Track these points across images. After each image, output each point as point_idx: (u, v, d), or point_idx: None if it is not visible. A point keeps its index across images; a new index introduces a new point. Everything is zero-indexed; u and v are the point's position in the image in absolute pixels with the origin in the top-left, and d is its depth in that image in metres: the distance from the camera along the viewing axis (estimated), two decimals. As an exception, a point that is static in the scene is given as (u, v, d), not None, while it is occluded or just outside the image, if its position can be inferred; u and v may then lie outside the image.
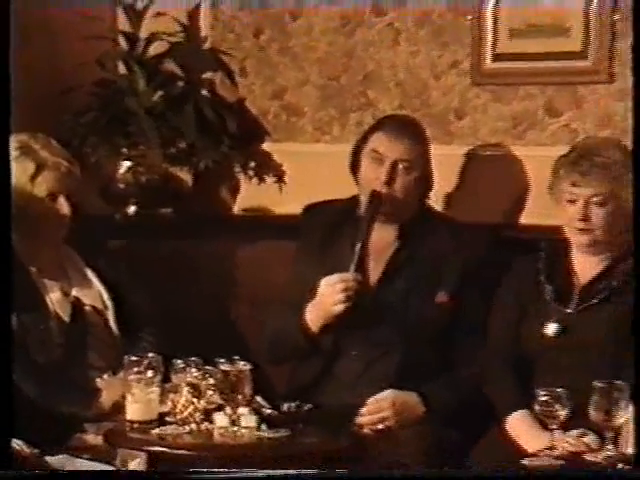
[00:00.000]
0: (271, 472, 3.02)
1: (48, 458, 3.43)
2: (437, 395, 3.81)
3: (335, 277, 3.83)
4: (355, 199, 4.01)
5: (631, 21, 2.82)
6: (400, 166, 3.91)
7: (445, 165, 4.22)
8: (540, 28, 4.28)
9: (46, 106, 4.31)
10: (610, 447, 3.20)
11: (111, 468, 3.39)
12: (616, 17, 4.15)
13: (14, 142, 3.84)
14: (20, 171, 3.79)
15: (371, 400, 3.74)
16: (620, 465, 3.13)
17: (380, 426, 3.72)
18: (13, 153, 3.83)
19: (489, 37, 4.35)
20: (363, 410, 3.73)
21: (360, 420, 3.71)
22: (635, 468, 2.93)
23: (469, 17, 4.36)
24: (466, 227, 4.08)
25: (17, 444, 3.40)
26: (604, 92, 4.21)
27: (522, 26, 4.31)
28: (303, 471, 3.03)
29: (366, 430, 3.71)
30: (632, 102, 2.90)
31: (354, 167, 4.01)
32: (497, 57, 4.36)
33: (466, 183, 4.36)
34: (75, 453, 3.47)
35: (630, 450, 3.17)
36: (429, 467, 3.58)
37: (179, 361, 3.48)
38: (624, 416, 3.21)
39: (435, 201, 4.18)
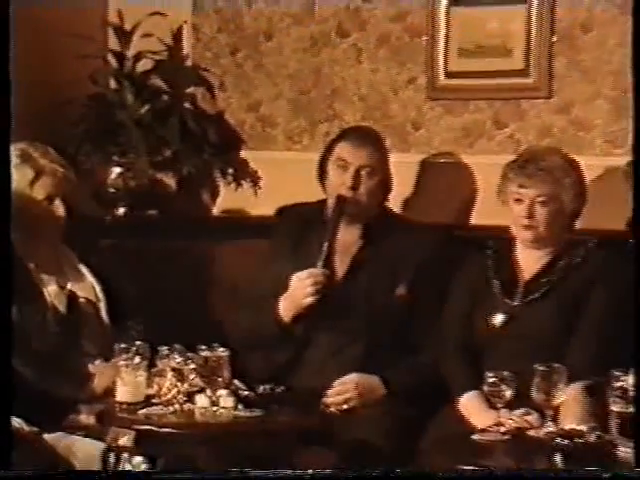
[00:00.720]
0: (272, 472, 2.91)
1: (46, 435, 3.44)
2: (397, 378, 3.81)
3: (305, 272, 3.84)
4: (323, 202, 4.02)
5: (631, 21, 2.76)
6: (363, 172, 3.92)
7: (403, 171, 4.23)
8: (487, 49, 4.31)
9: (44, 117, 4.30)
10: (550, 424, 3.21)
11: (102, 444, 3.41)
12: (554, 39, 4.20)
13: (15, 150, 3.83)
14: (20, 176, 3.78)
15: (337, 383, 3.76)
16: (558, 439, 3.13)
17: (345, 406, 3.74)
18: (14, 160, 3.82)
19: (441, 56, 4.37)
20: (330, 392, 3.74)
21: (327, 401, 3.73)
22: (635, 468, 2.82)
23: (424, 38, 4.38)
24: (422, 227, 4.09)
25: (17, 422, 3.41)
26: (544, 106, 4.24)
27: (471, 47, 4.33)
28: (304, 471, 2.90)
29: (333, 409, 3.72)
30: (632, 103, 2.78)
31: (321, 175, 4.02)
32: (449, 74, 4.38)
33: (421, 187, 4.37)
34: (70, 431, 3.48)
35: (568, 426, 3.21)
36: (389, 443, 3.59)
37: (164, 348, 3.49)
38: (562, 396, 3.23)
39: (394, 204, 4.18)
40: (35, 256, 3.81)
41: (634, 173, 2.65)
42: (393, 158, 4.14)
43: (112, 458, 3.39)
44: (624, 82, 4.11)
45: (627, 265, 3.69)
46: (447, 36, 4.36)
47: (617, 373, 3.20)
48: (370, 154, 3.96)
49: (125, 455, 3.40)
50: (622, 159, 3.83)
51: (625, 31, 4.05)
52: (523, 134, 4.27)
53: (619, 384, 3.14)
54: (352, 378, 3.77)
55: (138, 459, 3.39)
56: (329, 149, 4.02)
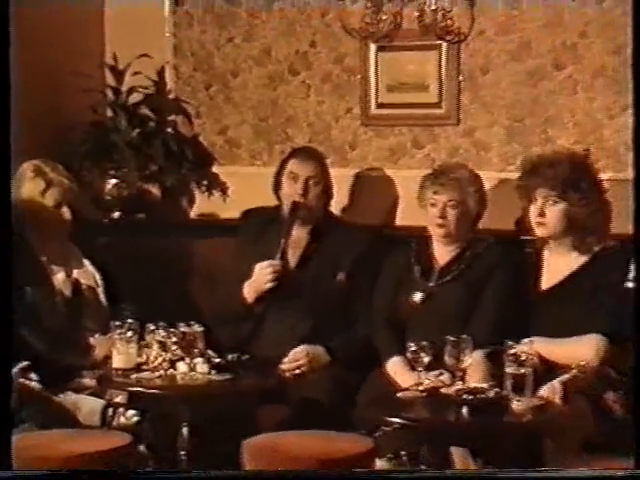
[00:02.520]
0: (271, 472, 2.86)
1: (55, 396, 3.43)
2: (338, 348, 3.80)
3: (265, 263, 3.84)
4: (278, 207, 4.01)
5: (632, 19, 2.51)
6: (310, 182, 3.93)
7: (342, 183, 4.25)
8: (408, 85, 4.30)
9: (54, 140, 4.27)
10: (459, 383, 3.21)
11: (102, 401, 3.40)
12: (460, 78, 4.21)
13: (30, 166, 3.82)
14: (34, 187, 3.78)
15: (291, 352, 3.75)
16: (465, 395, 3.11)
17: (297, 371, 3.72)
18: (29, 174, 3.81)
19: (372, 91, 4.35)
20: (285, 360, 3.73)
21: (283, 367, 3.70)
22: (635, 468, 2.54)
23: (358, 76, 4.37)
24: (357, 227, 4.09)
25: (34, 380, 3.38)
26: (452, 132, 4.24)
27: (395, 83, 4.31)
28: (304, 471, 2.81)
29: (287, 374, 3.69)
30: (632, 103, 2.51)
31: (276, 186, 4.02)
32: (379, 105, 4.36)
33: (356, 195, 4.36)
34: (75, 392, 3.47)
35: (472, 385, 3.20)
36: (332, 400, 3.59)
37: (151, 325, 3.47)
38: (468, 361, 3.23)
39: (336, 209, 4.18)
40: (46, 251, 3.79)
41: (635, 178, 2.42)
42: (334, 172, 4.15)
43: (110, 412, 3.38)
44: (515, 113, 4.15)
45: (517, 256, 3.75)
46: (377, 75, 4.34)
47: (510, 342, 3.23)
48: (314, 167, 3.97)
49: (120, 410, 3.38)
50: (513, 174, 3.83)
51: (518, 72, 4.11)
52: (436, 153, 4.26)
53: (512, 351, 3.17)
54: (303, 348, 3.76)
55: (131, 412, 3.38)
56: (282, 165, 4.02)
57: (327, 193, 4.01)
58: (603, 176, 3.77)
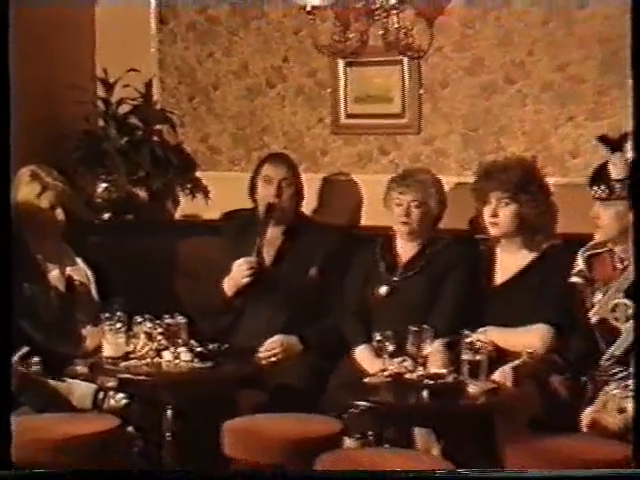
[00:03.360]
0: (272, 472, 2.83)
1: (51, 381, 3.39)
2: (311, 337, 3.79)
3: (242, 260, 3.83)
4: (255, 209, 3.99)
5: (630, 20, 2.39)
6: (283, 184, 3.92)
7: (313, 186, 4.24)
8: (374, 98, 4.29)
9: (49, 147, 4.24)
10: (420, 369, 3.20)
11: (94, 385, 3.37)
12: (421, 91, 4.20)
13: (27, 171, 3.79)
14: (30, 190, 3.75)
15: (267, 342, 3.73)
16: (426, 380, 3.11)
17: (273, 359, 3.70)
18: (26, 179, 3.78)
19: (342, 103, 4.34)
20: (262, 349, 3.71)
21: (260, 355, 3.69)
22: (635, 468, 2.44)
23: (329, 90, 4.36)
24: (327, 227, 4.08)
25: (33, 366, 3.36)
26: (414, 140, 4.24)
27: (363, 96, 4.31)
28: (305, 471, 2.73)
29: (264, 362, 3.68)
30: (632, 106, 2.35)
31: (252, 189, 4.01)
32: (348, 116, 4.34)
33: (326, 197, 4.35)
34: (69, 378, 3.43)
35: (432, 371, 3.19)
36: (305, 385, 3.58)
37: (138, 317, 3.46)
38: (429, 349, 3.23)
39: (307, 210, 4.17)
40: (42, 249, 3.75)
41: (634, 172, 2.30)
42: (307, 177, 4.15)
43: (101, 395, 3.36)
44: (471, 123, 4.16)
45: (473, 253, 3.76)
46: (345, 88, 4.32)
47: (467, 332, 3.24)
48: (286, 171, 3.96)
49: (110, 393, 3.36)
50: (469, 178, 3.84)
51: (473, 86, 4.12)
52: (400, 159, 4.25)
53: (468, 340, 3.18)
54: (278, 338, 3.74)
55: (120, 395, 3.36)
56: (257, 170, 4.02)
57: (299, 195, 4.01)
58: (549, 180, 3.79)
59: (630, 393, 3.11)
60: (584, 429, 3.09)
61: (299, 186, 4.00)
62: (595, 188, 3.30)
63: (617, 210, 3.25)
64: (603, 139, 3.33)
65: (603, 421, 3.08)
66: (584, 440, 3.02)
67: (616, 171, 3.26)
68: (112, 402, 3.35)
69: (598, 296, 3.36)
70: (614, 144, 3.30)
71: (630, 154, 3.27)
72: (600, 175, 3.30)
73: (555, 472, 2.66)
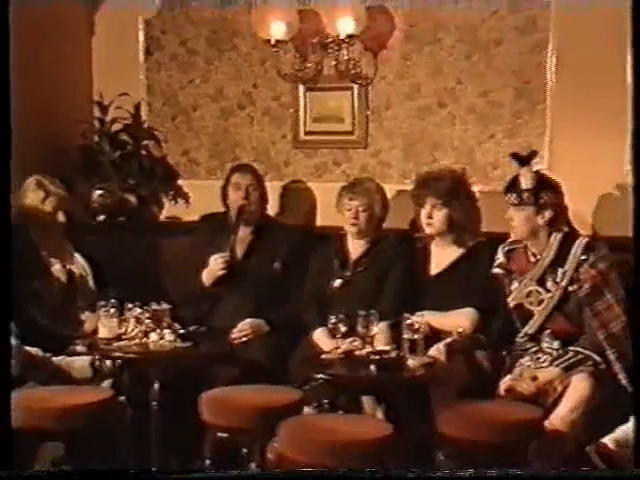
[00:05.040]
0: (273, 472, 2.69)
1: (54, 358, 3.36)
2: (276, 320, 3.74)
3: (218, 255, 3.79)
4: (227, 212, 3.95)
5: (631, 20, 2.16)
6: (250, 188, 3.89)
7: (276, 192, 4.23)
8: (329, 117, 4.25)
9: (52, 159, 4.14)
10: (368, 347, 3.17)
11: (89, 357, 3.33)
12: (368, 113, 4.16)
13: (32, 180, 3.74)
14: (35, 197, 3.71)
15: (239, 324, 3.69)
16: (373, 356, 3.09)
17: (244, 339, 3.66)
18: (32, 186, 3.73)
19: (302, 122, 4.29)
20: (234, 330, 3.67)
21: (233, 336, 3.65)
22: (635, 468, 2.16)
23: (291, 110, 4.32)
24: (289, 226, 4.05)
25: (34, 351, 3.30)
26: (363, 154, 4.21)
27: (320, 115, 4.26)
28: (306, 470, 2.52)
29: (236, 342, 3.64)
30: (632, 106, 2.10)
31: (223, 195, 3.97)
32: (307, 133, 4.30)
33: (287, 202, 4.31)
34: (70, 356, 3.39)
35: (378, 348, 3.16)
36: (271, 362, 3.55)
37: (129, 304, 3.40)
38: (375, 329, 3.19)
39: (272, 212, 4.15)
40: (46, 247, 3.70)
41: (634, 176, 2.15)
42: (272, 184, 4.14)
43: (97, 363, 3.32)
44: (410, 140, 4.16)
45: (412, 249, 3.76)
46: (305, 109, 4.29)
47: (407, 315, 3.22)
48: (252, 178, 3.93)
49: (105, 362, 3.32)
50: (409, 186, 3.83)
51: (412, 108, 4.12)
52: (351, 170, 4.23)
53: (408, 322, 3.15)
54: (248, 321, 3.71)
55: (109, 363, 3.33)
56: (227, 180, 3.99)
57: (263, 199, 3.97)
58: (475, 188, 3.81)
59: (542, 364, 3.16)
60: (503, 395, 3.12)
61: (263, 191, 3.97)
62: (509, 195, 3.32)
63: (527, 214, 3.28)
64: (514, 155, 3.36)
65: (519, 388, 3.11)
66: (503, 404, 3.05)
67: (525, 182, 3.29)
68: (107, 365, 3.32)
69: (515, 284, 3.39)
70: (523, 159, 3.33)
71: (536, 167, 3.36)
72: (513, 185, 3.32)
73: (555, 472, 2.40)
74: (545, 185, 3.31)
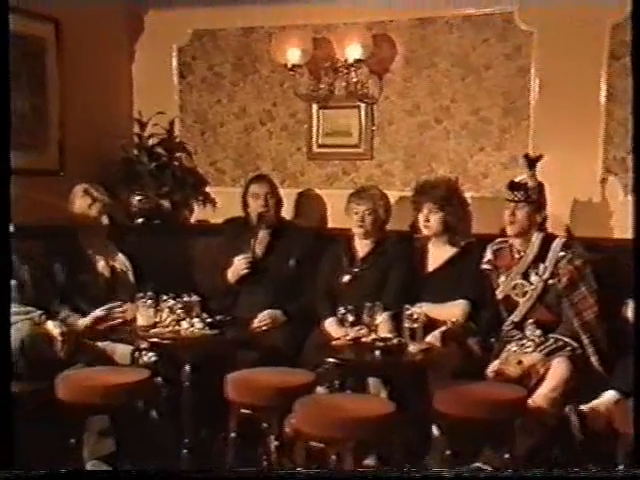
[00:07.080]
0: (273, 472, 2.65)
1: (99, 343, 3.36)
2: (292, 311, 3.71)
3: (242, 256, 3.79)
4: (247, 217, 3.94)
5: (630, 20, 2.05)
6: (268, 196, 3.88)
7: (292, 198, 4.22)
8: (339, 132, 4.22)
9: (98, 169, 4.16)
10: (373, 334, 3.13)
11: (131, 347, 3.32)
12: (374, 128, 4.15)
13: (81, 188, 3.73)
14: (83, 202, 3.70)
15: (259, 315, 3.67)
16: (377, 343, 3.05)
17: (264, 328, 3.64)
18: (80, 193, 3.72)
19: (315, 136, 4.28)
20: (255, 320, 3.66)
21: (254, 325, 3.64)
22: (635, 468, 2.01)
23: (305, 126, 4.32)
24: (303, 229, 4.04)
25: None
26: (368, 164, 4.20)
27: (331, 131, 4.24)
28: (305, 470, 2.54)
29: (257, 330, 3.62)
30: (632, 105, 2.00)
31: (244, 204, 3.95)
32: (320, 146, 4.29)
33: (301, 207, 4.29)
34: (113, 342, 3.38)
35: (382, 335, 3.12)
36: (287, 346, 3.54)
37: (164, 296, 3.40)
38: (379, 319, 3.16)
39: (287, 215, 4.13)
40: (92, 246, 3.71)
41: (634, 177, 2.03)
42: (288, 191, 4.14)
43: (136, 354, 3.33)
44: (410, 152, 4.15)
45: (411, 249, 3.75)
46: (318, 125, 4.28)
47: (407, 306, 3.21)
48: (268, 186, 3.91)
49: (143, 352, 3.33)
50: (409, 193, 3.82)
51: (412, 124, 4.12)
52: (358, 179, 4.21)
53: (409, 312, 3.12)
54: (267, 312, 3.70)
55: (150, 354, 3.32)
56: (246, 189, 3.97)
57: (279, 204, 3.96)
58: (467, 194, 3.81)
59: (526, 350, 3.15)
60: (492, 376, 3.12)
61: (278, 197, 3.95)
62: (515, 193, 3.32)
63: (529, 210, 3.29)
64: (526, 157, 3.39)
65: (506, 371, 3.11)
66: (492, 385, 3.04)
67: (531, 181, 3.32)
68: (145, 359, 3.32)
69: (502, 278, 3.39)
70: (532, 161, 3.36)
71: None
72: (519, 183, 3.33)
73: (555, 472, 2.12)
74: (541, 187, 3.34)
